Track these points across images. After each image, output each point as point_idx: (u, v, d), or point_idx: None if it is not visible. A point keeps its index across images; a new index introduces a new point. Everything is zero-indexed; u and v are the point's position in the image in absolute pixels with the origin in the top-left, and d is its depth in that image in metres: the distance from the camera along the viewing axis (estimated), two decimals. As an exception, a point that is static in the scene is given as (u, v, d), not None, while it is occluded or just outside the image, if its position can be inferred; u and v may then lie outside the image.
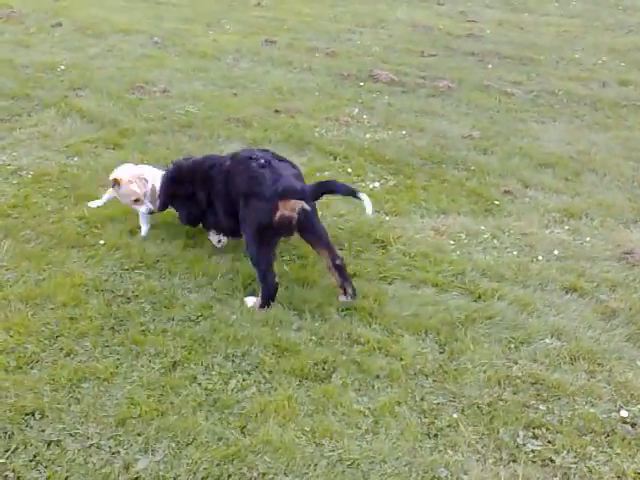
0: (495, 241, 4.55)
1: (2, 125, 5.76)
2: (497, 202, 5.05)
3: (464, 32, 10.17)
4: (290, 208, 3.58)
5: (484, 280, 4.09)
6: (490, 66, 8.58)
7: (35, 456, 2.69)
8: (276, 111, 6.49)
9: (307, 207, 3.63)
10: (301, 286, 3.91)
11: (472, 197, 5.12)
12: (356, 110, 6.66)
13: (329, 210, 4.76)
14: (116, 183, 4.21)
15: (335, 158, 5.59)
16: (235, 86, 7.10)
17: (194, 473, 2.68)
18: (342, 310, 3.73)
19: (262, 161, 3.77)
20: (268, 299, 3.71)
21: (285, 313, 3.67)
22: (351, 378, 3.25)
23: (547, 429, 3.04)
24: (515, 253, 4.41)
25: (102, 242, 4.16)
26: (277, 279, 3.74)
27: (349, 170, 5.39)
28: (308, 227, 3.73)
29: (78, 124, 5.89)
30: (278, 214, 3.57)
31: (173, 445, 2.80)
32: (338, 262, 3.80)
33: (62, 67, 7.20)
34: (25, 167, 5.05)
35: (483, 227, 4.69)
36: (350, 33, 9.42)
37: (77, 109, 6.14)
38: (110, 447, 2.77)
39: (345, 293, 3.82)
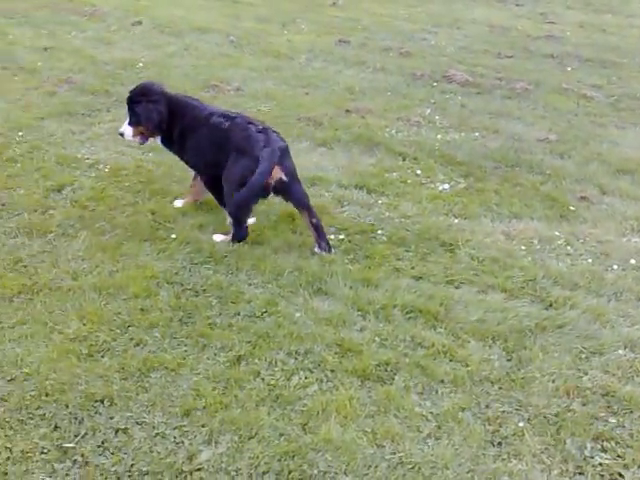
0: (569, 248, 4.40)
1: (82, 119, 5.98)
2: (572, 208, 4.88)
3: (543, 33, 9.89)
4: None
5: (556, 288, 3.96)
6: (569, 69, 8.31)
7: (103, 442, 2.78)
8: (347, 111, 6.48)
9: (285, 178, 4.09)
10: (365, 286, 3.89)
11: (546, 202, 4.97)
12: (428, 111, 6.58)
13: (396, 211, 4.72)
14: None
15: (404, 159, 5.54)
16: (307, 85, 7.13)
17: (255, 467, 2.71)
18: (407, 312, 3.69)
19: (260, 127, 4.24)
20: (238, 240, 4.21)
21: (349, 313, 3.66)
22: (414, 381, 3.21)
23: (617, 443, 2.92)
24: (590, 261, 4.25)
25: (173, 236, 4.26)
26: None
27: (418, 172, 5.33)
28: (286, 190, 4.17)
29: (154, 121, 6.04)
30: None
31: (236, 438, 2.83)
32: (314, 221, 4.21)
33: (141, 64, 7.42)
34: (102, 161, 5.22)
35: (557, 233, 4.55)
36: (425, 33, 9.32)
37: (154, 106, 6.30)
38: (175, 437, 2.83)
39: (320, 246, 4.19)
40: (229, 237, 4.27)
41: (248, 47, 8.30)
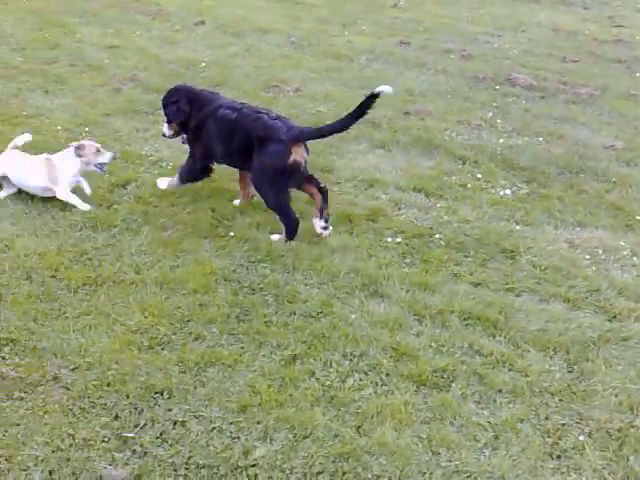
0: (635, 259, 4.26)
1: (146, 117, 6.11)
2: (639, 218, 4.72)
3: (611, 37, 9.62)
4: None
5: (620, 299, 3.84)
6: (638, 74, 8.05)
7: (162, 434, 2.83)
8: (406, 113, 6.44)
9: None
10: (422, 291, 3.85)
11: (612, 211, 4.82)
12: (490, 114, 6.48)
13: (455, 215, 4.66)
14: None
15: (464, 162, 5.47)
16: (367, 87, 7.07)
17: (310, 467, 2.71)
18: (464, 319, 3.64)
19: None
20: (292, 233, 4.25)
21: (405, 317, 3.63)
22: (471, 389, 3.16)
23: (684, 463, 2.81)
24: (656, 273, 4.11)
25: (232, 234, 4.31)
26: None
27: (479, 175, 5.25)
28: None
29: (215, 119, 6.13)
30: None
31: (290, 437, 2.84)
32: (322, 185, 4.36)
33: (203, 64, 7.54)
34: (165, 158, 5.32)
35: (622, 243, 4.41)
36: (488, 36, 9.19)
37: (216, 105, 6.39)
38: (231, 432, 2.86)
39: (322, 216, 4.30)
40: (283, 234, 4.30)
41: (308, 48, 8.34)
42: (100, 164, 4.56)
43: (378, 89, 4.24)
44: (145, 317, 3.51)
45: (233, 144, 4.38)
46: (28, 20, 8.76)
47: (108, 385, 3.03)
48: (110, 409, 2.92)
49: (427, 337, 3.48)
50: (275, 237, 4.31)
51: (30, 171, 4.48)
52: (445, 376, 3.23)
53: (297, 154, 4.19)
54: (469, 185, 5.10)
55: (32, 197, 4.53)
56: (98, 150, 4.56)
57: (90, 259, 3.95)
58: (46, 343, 3.24)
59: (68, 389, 3.00)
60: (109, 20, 9.12)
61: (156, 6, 9.84)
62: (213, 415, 2.93)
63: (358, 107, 4.27)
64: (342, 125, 4.36)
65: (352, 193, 4.96)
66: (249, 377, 3.16)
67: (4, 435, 2.75)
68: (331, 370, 3.24)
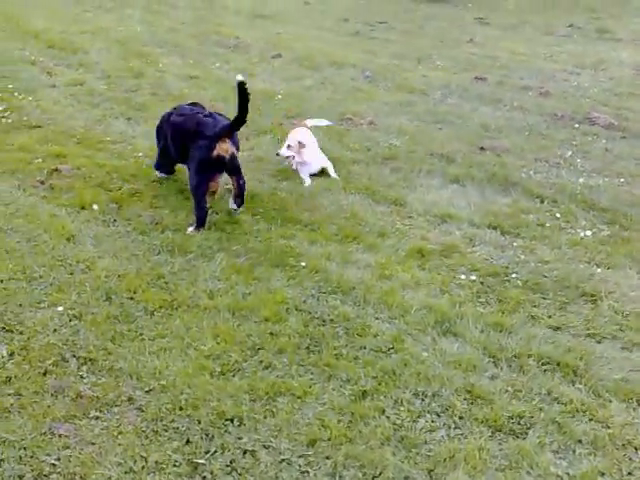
0: None
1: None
2: None
3: (695, 78, 9.28)
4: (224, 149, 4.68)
5: None
6: None
7: (231, 462, 2.82)
8: (481, 148, 6.37)
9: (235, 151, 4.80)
10: (498, 332, 3.74)
11: (699, 257, 4.58)
12: (569, 153, 6.32)
13: (533, 255, 4.53)
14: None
15: (542, 201, 5.33)
16: (441, 121, 7.09)
17: (379, 508, 2.65)
18: (542, 364, 3.50)
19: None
20: (201, 222, 4.70)
21: (479, 358, 3.53)
22: (549, 438, 3.03)
23: None
24: None
25: (303, 264, 4.32)
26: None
27: (557, 215, 5.11)
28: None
29: (289, 150, 6.21)
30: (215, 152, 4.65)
31: (360, 475, 2.78)
32: (241, 182, 4.88)
33: (279, 96, 7.68)
34: (240, 187, 5.40)
35: None
36: (566, 73, 9.01)
37: (290, 136, 6.48)
38: (300, 465, 2.82)
39: (235, 202, 4.92)
40: (194, 225, 4.70)
41: (383, 82, 8.39)
42: None
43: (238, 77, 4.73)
44: (217, 343, 3.53)
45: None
46: (114, 49, 9.18)
47: (180, 409, 3.06)
48: (182, 433, 2.94)
49: (503, 381, 3.36)
50: (189, 229, 4.68)
51: None
52: (522, 423, 3.11)
53: (221, 149, 4.68)
54: (547, 224, 4.96)
55: (114, 220, 4.69)
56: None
57: (167, 283, 4.02)
58: (123, 364, 3.31)
59: (142, 411, 3.04)
60: (190, 51, 9.46)
61: (235, 39, 10.15)
62: (282, 447, 2.91)
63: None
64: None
65: (425, 228, 4.90)
66: (318, 410, 3.13)
67: (80, 453, 2.80)
68: (402, 409, 3.17)
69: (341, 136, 6.59)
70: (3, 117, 6.42)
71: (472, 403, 3.22)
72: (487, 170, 5.85)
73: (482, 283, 4.22)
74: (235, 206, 4.95)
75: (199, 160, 4.71)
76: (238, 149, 4.93)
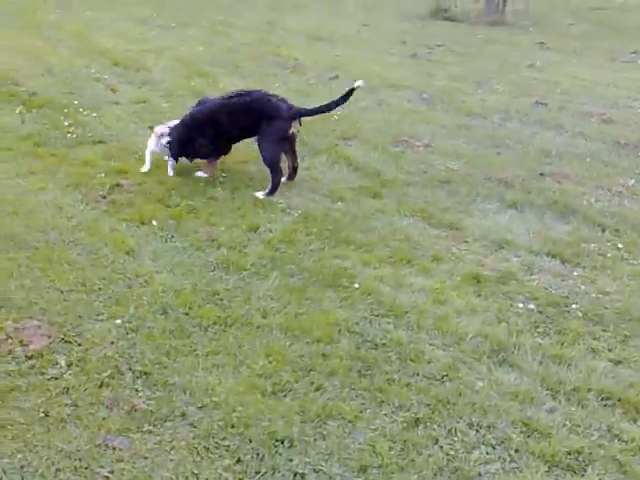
0: None
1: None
2: None
3: None
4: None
5: None
6: None
7: (281, 484, 2.81)
8: (541, 174, 6.25)
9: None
10: (556, 364, 3.63)
11: None
12: (632, 181, 6.14)
13: (594, 286, 4.40)
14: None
15: (604, 230, 5.19)
16: (499, 145, 6.99)
17: (431, 541, 2.58)
18: (602, 399, 3.38)
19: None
20: (275, 188, 5.57)
21: (537, 390, 3.43)
22: (609, 477, 2.91)
23: None
24: None
25: (356, 286, 4.30)
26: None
27: (619, 245, 4.95)
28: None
29: (344, 171, 6.22)
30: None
31: (412, 506, 2.73)
32: (296, 165, 5.85)
33: (335, 117, 7.69)
34: (294, 206, 5.43)
35: None
36: (630, 100, 8.79)
37: (345, 157, 6.50)
38: (350, 492, 2.79)
39: (290, 177, 5.85)
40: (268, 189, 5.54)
41: (440, 105, 8.34)
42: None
43: (356, 83, 5.69)
44: (269, 362, 3.53)
45: None
46: (177, 68, 9.42)
47: (232, 427, 3.06)
48: (233, 452, 2.93)
49: (561, 415, 3.25)
50: (259, 194, 5.49)
51: None
52: (580, 459, 3.00)
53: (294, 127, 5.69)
54: (609, 254, 4.82)
55: (172, 236, 4.77)
56: (162, 134, 5.79)
57: (221, 299, 4.06)
58: (176, 378, 3.33)
59: (194, 427, 3.05)
60: (250, 72, 9.62)
61: (294, 60, 10.28)
62: (333, 471, 2.87)
63: (342, 97, 5.82)
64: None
65: (481, 253, 4.82)
66: (369, 435, 3.08)
67: (133, 467, 2.82)
68: (456, 439, 3.10)
69: (396, 158, 6.57)
70: (68, 132, 6.64)
71: (529, 436, 3.13)
72: (547, 196, 5.73)
73: (541, 312, 4.11)
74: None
75: (278, 136, 5.61)
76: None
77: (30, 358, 3.42)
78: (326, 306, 4.08)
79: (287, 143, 5.70)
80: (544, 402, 3.35)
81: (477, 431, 3.15)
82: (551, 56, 11.39)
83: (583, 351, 3.74)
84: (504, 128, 7.54)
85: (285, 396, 3.31)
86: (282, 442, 3.00)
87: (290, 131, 5.63)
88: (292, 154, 5.82)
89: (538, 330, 3.94)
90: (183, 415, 3.12)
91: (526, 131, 7.44)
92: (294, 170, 5.86)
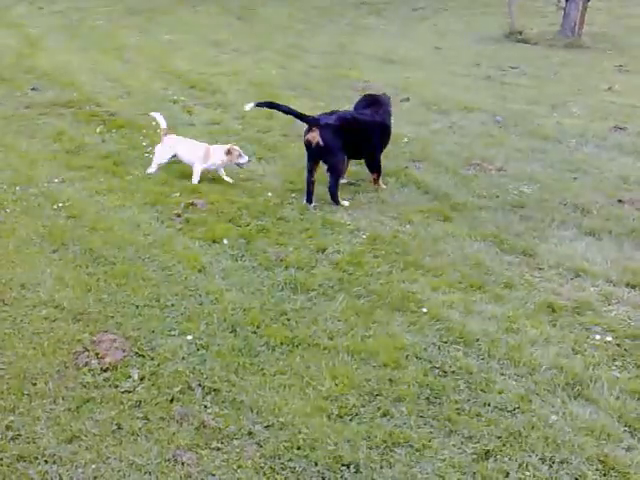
0: None
1: (348, 188, 6.30)
2: None
3: None
4: None
5: None
6: None
7: (347, 508, 2.77)
8: (619, 201, 6.03)
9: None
10: (636, 399, 3.47)
11: None
12: None
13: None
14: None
15: (688, 262, 4.94)
16: (576, 170, 6.79)
17: None
18: (686, 439, 3.20)
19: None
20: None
21: (614, 426, 3.28)
22: (694, 524, 2.74)
23: None
24: None
25: (424, 310, 4.24)
26: None
27: None
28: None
29: (414, 194, 6.18)
30: None
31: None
32: None
33: (406, 140, 7.69)
34: (362, 228, 5.43)
35: None
36: None
37: (414, 180, 6.46)
38: (418, 524, 2.73)
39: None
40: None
41: (514, 128, 8.19)
42: (238, 164, 6.24)
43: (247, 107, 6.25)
44: (336, 385, 3.52)
45: None
46: (250, 91, 9.62)
47: (298, 448, 3.05)
48: (298, 474, 2.93)
49: (640, 453, 3.10)
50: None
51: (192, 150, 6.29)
52: (661, 502, 2.85)
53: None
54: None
55: (242, 255, 4.84)
56: (240, 154, 6.16)
57: (288, 319, 4.08)
58: (244, 397, 3.37)
59: (261, 446, 3.07)
60: (320, 94, 9.72)
61: (364, 82, 10.32)
62: (400, 502, 2.82)
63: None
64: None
65: (556, 281, 4.68)
66: (437, 466, 3.02)
67: (200, 483, 2.86)
68: (527, 474, 2.99)
69: (468, 181, 6.48)
70: (146, 152, 6.87)
71: (605, 474, 3.00)
72: (625, 224, 5.52)
73: (619, 345, 3.94)
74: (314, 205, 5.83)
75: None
76: None
77: (105, 371, 3.53)
78: (393, 330, 4.04)
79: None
80: (622, 439, 3.20)
81: (550, 466, 3.04)
82: (630, 79, 11.03)
83: (665, 386, 3.56)
84: (580, 152, 7.32)
85: (351, 420, 3.28)
86: (348, 467, 2.98)
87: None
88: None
89: (616, 363, 3.78)
90: (250, 434, 3.14)
91: (604, 156, 7.20)
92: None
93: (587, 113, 8.83)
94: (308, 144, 5.84)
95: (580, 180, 6.54)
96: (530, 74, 11.22)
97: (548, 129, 8.10)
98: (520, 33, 14.31)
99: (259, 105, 6.12)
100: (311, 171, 5.89)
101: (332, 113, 6.04)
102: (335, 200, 5.88)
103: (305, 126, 5.90)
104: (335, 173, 5.91)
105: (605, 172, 6.74)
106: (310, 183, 5.89)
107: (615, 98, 9.72)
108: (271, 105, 6.17)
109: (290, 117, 6.08)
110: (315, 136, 5.74)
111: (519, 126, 8.20)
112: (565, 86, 10.40)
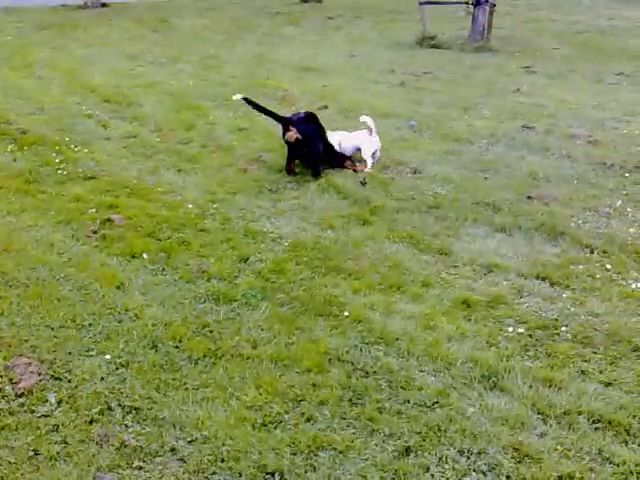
0: None
1: (269, 195, 6.33)
2: None
3: None
4: None
5: None
6: None
7: (271, 518, 2.79)
8: (529, 197, 6.30)
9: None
10: (547, 387, 3.64)
11: None
12: (619, 202, 6.18)
13: (583, 307, 4.42)
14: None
15: (592, 252, 5.22)
16: (487, 170, 7.05)
17: None
18: (593, 421, 3.38)
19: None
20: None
21: (527, 415, 3.43)
22: (602, 502, 2.90)
23: None
24: None
25: (346, 314, 4.31)
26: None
27: (608, 266, 4.98)
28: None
29: (334, 199, 6.26)
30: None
31: (403, 536, 2.71)
32: None
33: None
34: (284, 236, 5.46)
35: None
36: (616, 122, 8.87)
37: (335, 186, 6.54)
38: (341, 525, 2.77)
39: None
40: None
41: (428, 132, 8.42)
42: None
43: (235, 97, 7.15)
44: (260, 394, 3.53)
45: None
46: (167, 102, 9.50)
47: (222, 461, 3.05)
48: (223, 487, 2.93)
49: (552, 439, 3.25)
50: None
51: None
52: (572, 484, 3.00)
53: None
54: (598, 276, 4.84)
55: (162, 269, 4.79)
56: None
57: (211, 331, 4.07)
58: (166, 413, 3.33)
59: (184, 462, 3.05)
60: (239, 104, 9.65)
61: (283, 91, 10.38)
62: (323, 503, 2.86)
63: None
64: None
65: (470, 277, 4.85)
66: (360, 466, 3.08)
67: (122, 504, 2.81)
68: (447, 467, 3.09)
69: (386, 185, 6.63)
70: (59, 169, 6.69)
71: (520, 462, 3.13)
72: (535, 219, 5.77)
73: (530, 336, 4.12)
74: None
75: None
76: None
77: (20, 396, 3.42)
78: (316, 335, 4.09)
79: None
80: (535, 426, 3.35)
81: (468, 458, 3.15)
82: (537, 80, 11.52)
83: (573, 374, 3.75)
84: (491, 152, 7.61)
85: (275, 428, 3.30)
86: (272, 475, 3.00)
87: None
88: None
89: (528, 354, 3.95)
90: (173, 450, 3.11)
91: (513, 155, 7.51)
92: None
93: (497, 114, 9.17)
94: (289, 142, 6.51)
95: (491, 179, 6.80)
96: (443, 78, 11.54)
97: (460, 131, 8.37)
98: (432, 39, 14.67)
99: (245, 99, 6.90)
100: (290, 164, 6.74)
101: (298, 113, 6.96)
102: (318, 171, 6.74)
103: (281, 127, 6.64)
104: (316, 159, 6.73)
105: (515, 170, 7.03)
106: (291, 171, 6.75)
107: (523, 99, 10.12)
108: (251, 103, 6.92)
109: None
110: (292, 134, 6.45)
111: (432, 129, 8.44)
112: (476, 89, 10.76)
